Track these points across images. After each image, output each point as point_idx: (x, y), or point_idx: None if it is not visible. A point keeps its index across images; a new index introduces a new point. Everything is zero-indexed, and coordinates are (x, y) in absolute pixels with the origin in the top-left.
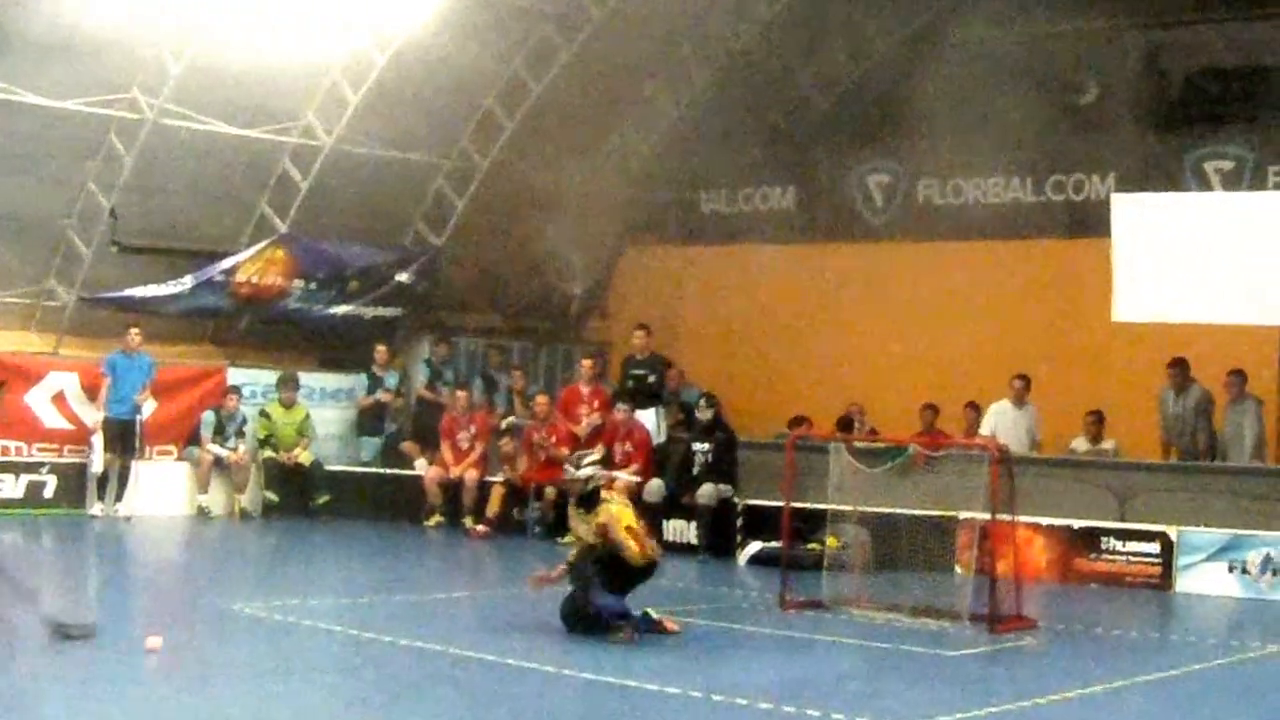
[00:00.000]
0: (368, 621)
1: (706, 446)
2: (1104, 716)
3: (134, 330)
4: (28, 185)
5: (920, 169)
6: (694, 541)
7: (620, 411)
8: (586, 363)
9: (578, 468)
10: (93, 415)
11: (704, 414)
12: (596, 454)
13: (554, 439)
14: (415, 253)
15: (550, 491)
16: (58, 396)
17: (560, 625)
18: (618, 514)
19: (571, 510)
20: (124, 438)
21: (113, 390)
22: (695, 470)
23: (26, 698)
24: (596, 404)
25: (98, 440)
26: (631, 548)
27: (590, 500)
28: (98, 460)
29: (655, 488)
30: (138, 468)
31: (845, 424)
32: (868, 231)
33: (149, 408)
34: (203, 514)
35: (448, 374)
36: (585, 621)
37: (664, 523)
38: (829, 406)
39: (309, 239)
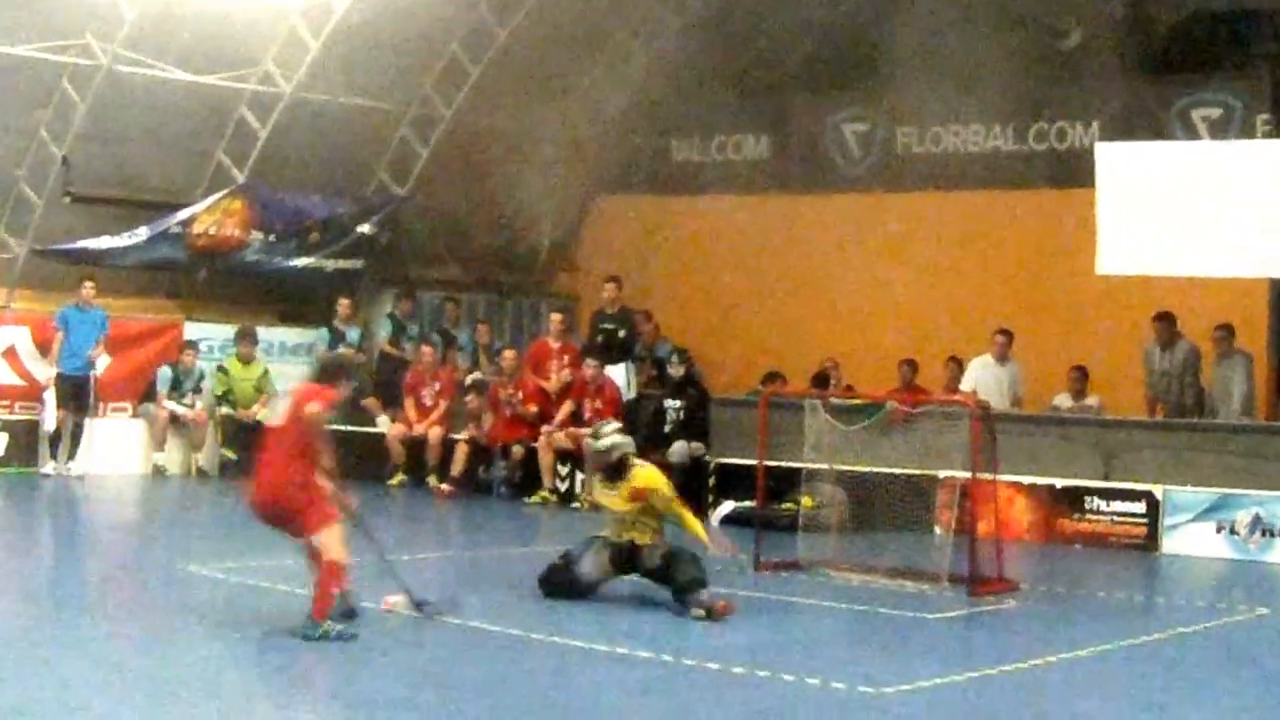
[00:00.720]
0: None
1: (678, 404)
2: (1088, 681)
3: (88, 283)
4: None
5: (898, 117)
6: None
7: (589, 368)
8: (556, 317)
9: (598, 438)
10: (45, 371)
11: (676, 370)
12: (616, 423)
13: (522, 395)
14: (378, 203)
15: (517, 450)
16: (9, 352)
17: (523, 588)
18: (657, 482)
19: (596, 483)
20: (77, 394)
21: (65, 345)
22: (666, 428)
23: None
24: (566, 359)
25: (50, 397)
26: (693, 521)
27: (619, 470)
28: (50, 418)
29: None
30: (91, 425)
31: (821, 380)
32: (844, 181)
33: (103, 363)
34: (158, 473)
35: (412, 329)
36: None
37: None
38: (804, 362)
39: (268, 189)
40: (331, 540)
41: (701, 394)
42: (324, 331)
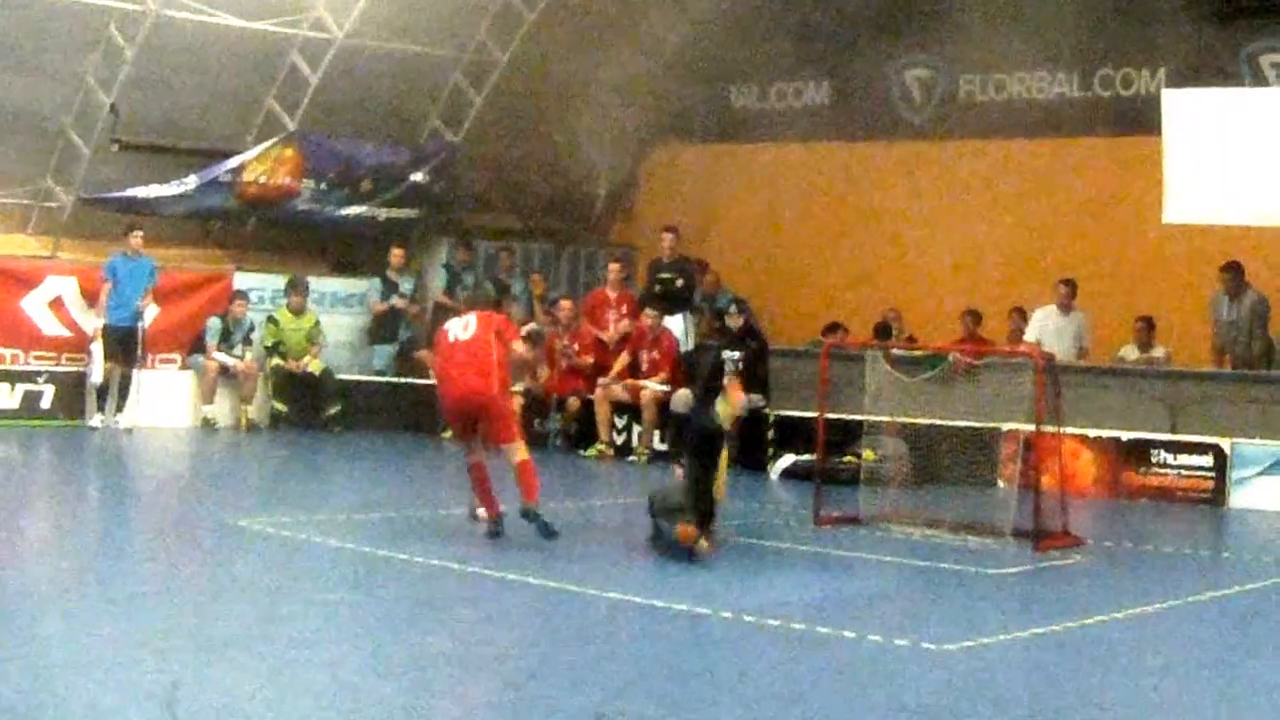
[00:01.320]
0: (380, 538)
1: (737, 355)
2: (1153, 637)
3: (136, 232)
4: (24, 81)
5: (961, 64)
6: None
7: (648, 318)
8: (614, 266)
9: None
10: (92, 322)
11: (734, 320)
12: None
13: (578, 346)
14: (431, 151)
15: (573, 402)
16: (55, 302)
17: (580, 543)
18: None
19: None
20: (125, 346)
21: (113, 296)
22: (725, 379)
23: (21, 614)
24: (624, 309)
25: (97, 349)
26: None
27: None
28: (97, 370)
29: (682, 398)
30: (139, 377)
31: (882, 331)
32: (906, 129)
33: (151, 314)
34: (208, 425)
35: (467, 279)
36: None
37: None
38: (865, 312)
39: (319, 137)
40: (521, 446)
41: (761, 345)
42: (376, 281)
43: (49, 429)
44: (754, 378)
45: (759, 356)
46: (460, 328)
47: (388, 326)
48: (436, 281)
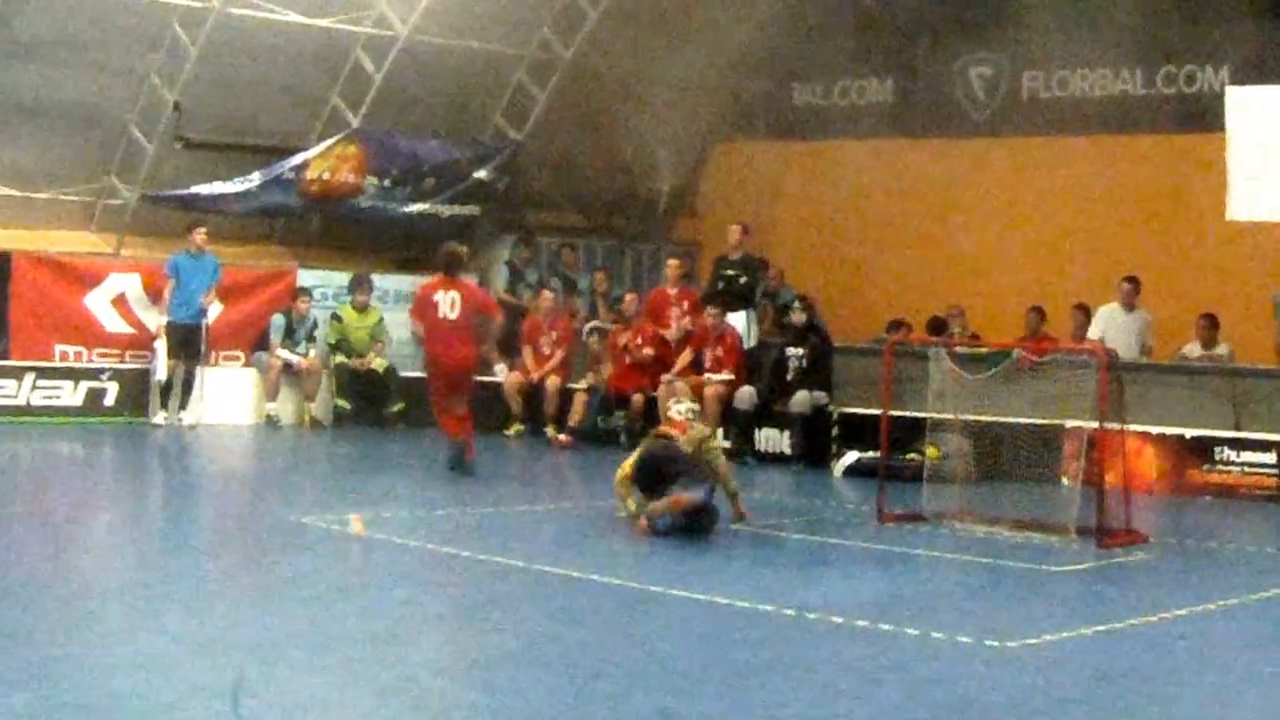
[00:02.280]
0: (443, 535)
1: (800, 352)
2: (1217, 635)
3: (200, 230)
4: (89, 78)
5: (1024, 60)
6: (787, 451)
7: (710, 317)
8: (673, 263)
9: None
10: (155, 319)
11: (797, 317)
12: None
13: (640, 341)
14: (494, 148)
15: (638, 399)
16: (119, 299)
17: (644, 541)
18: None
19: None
20: (188, 343)
21: (177, 293)
22: (789, 376)
23: (83, 611)
24: (685, 306)
25: (161, 346)
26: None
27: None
28: (161, 367)
29: (746, 394)
30: (203, 374)
31: (939, 326)
32: (969, 126)
33: (215, 311)
34: (271, 423)
35: (530, 276)
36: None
37: (756, 431)
38: (929, 309)
39: (383, 134)
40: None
41: (823, 342)
42: None
43: (113, 426)
44: (816, 375)
45: (821, 353)
46: (448, 306)
47: None
48: (498, 279)
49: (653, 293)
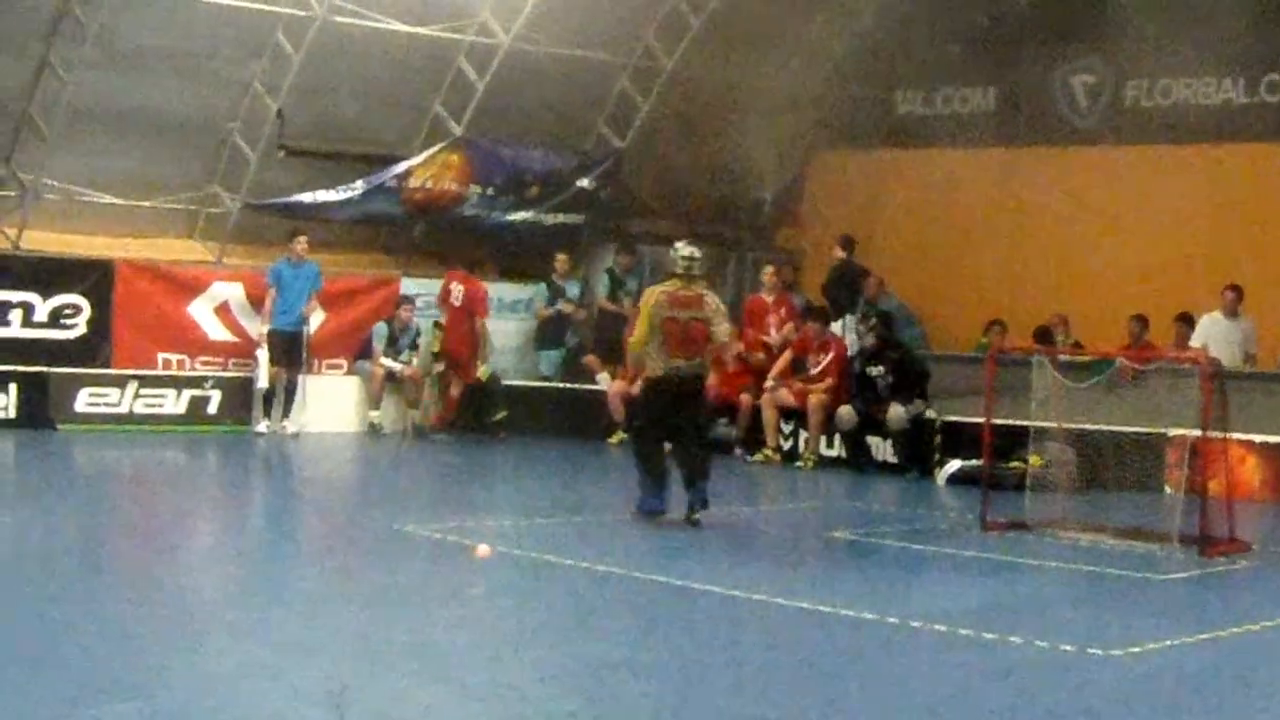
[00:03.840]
0: (545, 544)
1: (881, 369)
2: None
3: (300, 238)
4: (192, 87)
5: (1127, 69)
6: (892, 459)
7: (810, 330)
8: (769, 270)
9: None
10: (258, 328)
11: (866, 340)
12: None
13: (742, 346)
14: (597, 157)
15: (744, 401)
16: (222, 307)
17: (746, 549)
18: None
19: None
20: (289, 350)
21: (278, 301)
22: (880, 391)
23: (189, 620)
24: (783, 313)
25: (263, 355)
26: None
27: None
28: (263, 376)
29: (845, 415)
30: (304, 382)
31: (1043, 335)
32: (1072, 134)
33: (318, 319)
34: (374, 430)
35: (631, 284)
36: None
37: (867, 441)
38: (1031, 317)
39: (486, 142)
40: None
41: (902, 356)
42: (542, 287)
43: (215, 434)
44: (906, 387)
45: (905, 367)
46: (457, 294)
47: (554, 331)
48: (600, 287)
49: (750, 300)
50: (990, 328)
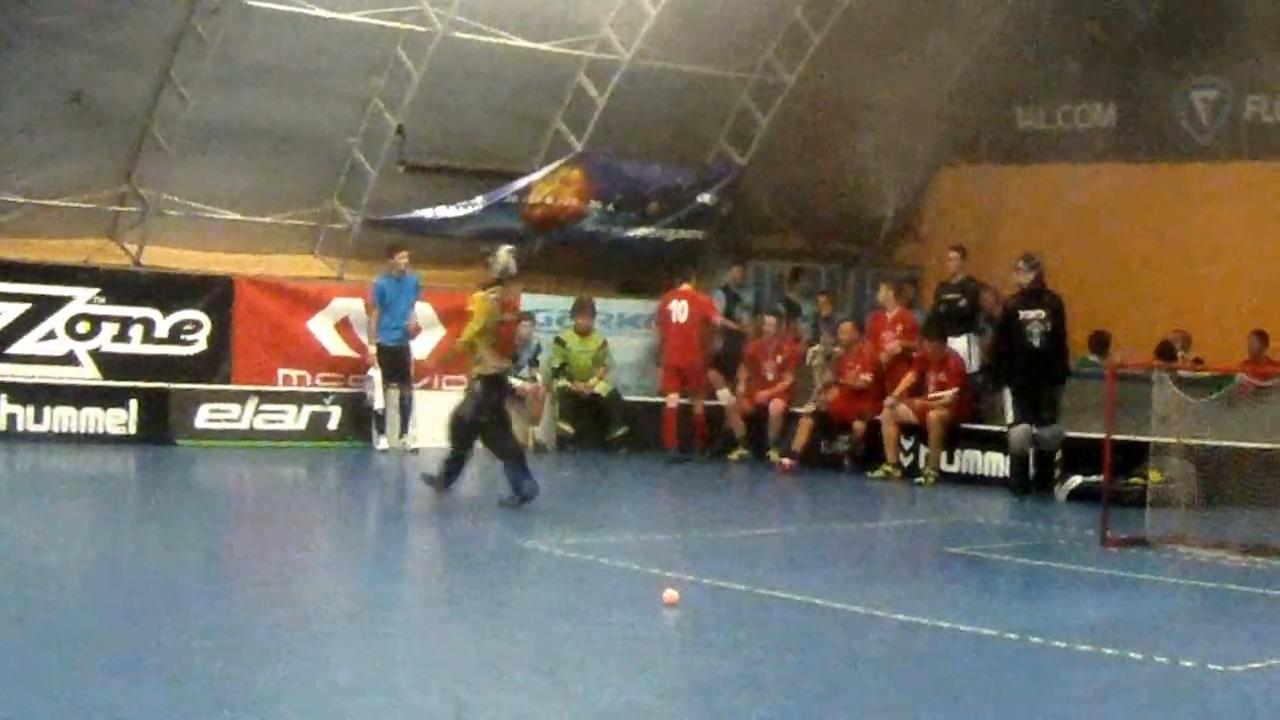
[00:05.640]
0: (667, 559)
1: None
2: None
3: (402, 253)
4: (312, 103)
5: (1249, 85)
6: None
7: (929, 347)
8: (884, 287)
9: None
10: (369, 346)
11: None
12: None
13: (859, 367)
14: (718, 172)
15: (859, 424)
16: (342, 323)
17: (865, 564)
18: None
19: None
20: (397, 365)
21: (384, 316)
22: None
23: (309, 634)
24: (899, 329)
25: (376, 374)
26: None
27: None
28: (378, 395)
29: (1020, 435)
30: (417, 398)
31: (1166, 351)
32: (1193, 151)
33: (436, 336)
34: None
35: (745, 298)
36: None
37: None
38: (1152, 333)
39: (607, 158)
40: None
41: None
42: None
43: (336, 450)
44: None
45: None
46: (680, 311)
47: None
48: (718, 303)
49: (871, 316)
50: (1094, 338)
